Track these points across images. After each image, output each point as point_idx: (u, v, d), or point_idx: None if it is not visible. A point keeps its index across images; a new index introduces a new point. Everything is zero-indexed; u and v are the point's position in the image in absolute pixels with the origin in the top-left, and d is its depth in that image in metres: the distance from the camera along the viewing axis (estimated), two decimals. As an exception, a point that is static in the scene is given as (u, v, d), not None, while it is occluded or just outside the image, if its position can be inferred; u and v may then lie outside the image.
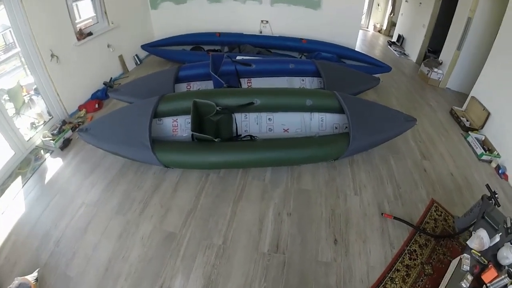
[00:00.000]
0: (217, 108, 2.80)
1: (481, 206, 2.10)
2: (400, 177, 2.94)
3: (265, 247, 2.24)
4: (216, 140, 2.63)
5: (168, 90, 3.32)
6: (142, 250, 2.22)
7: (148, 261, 2.15)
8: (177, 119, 3.08)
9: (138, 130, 2.61)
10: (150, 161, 2.72)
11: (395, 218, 2.46)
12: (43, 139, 3.32)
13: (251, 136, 2.94)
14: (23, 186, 2.81)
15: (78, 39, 3.88)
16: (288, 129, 3.16)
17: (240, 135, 3.01)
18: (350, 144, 2.67)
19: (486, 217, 1.98)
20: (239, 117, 3.09)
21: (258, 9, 5.23)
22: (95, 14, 4.39)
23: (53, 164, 3.07)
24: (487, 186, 2.23)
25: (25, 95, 3.71)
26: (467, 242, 1.86)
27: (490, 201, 2.12)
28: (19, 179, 2.90)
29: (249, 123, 3.14)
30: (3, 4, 2.90)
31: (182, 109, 2.88)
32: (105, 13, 4.40)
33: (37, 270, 2.04)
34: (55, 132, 3.41)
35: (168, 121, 3.08)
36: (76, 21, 4.00)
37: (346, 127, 3.11)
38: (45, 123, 3.57)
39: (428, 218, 2.53)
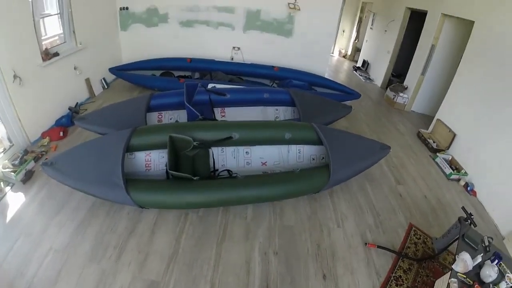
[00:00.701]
0: (194, 143, 2.69)
1: (460, 228, 2.21)
2: (378, 204, 3.03)
3: (255, 290, 2.14)
4: (194, 178, 2.52)
5: (140, 120, 3.17)
6: (124, 304, 2.01)
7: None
8: (150, 154, 2.92)
9: (110, 167, 2.41)
10: (123, 202, 2.51)
11: (378, 247, 2.51)
12: (3, 170, 2.98)
13: (228, 171, 2.86)
14: None
15: (44, 60, 3.58)
16: (266, 162, 3.14)
17: (217, 170, 2.92)
18: (331, 177, 2.70)
19: (465, 239, 2.10)
20: (216, 151, 3.02)
21: (231, 35, 5.29)
22: (62, 32, 4.12)
23: (15, 200, 2.75)
24: (463, 208, 2.41)
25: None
26: (452, 266, 1.92)
27: (467, 222, 2.25)
28: None
29: (226, 157, 3.08)
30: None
31: (156, 143, 2.74)
32: (74, 32, 4.17)
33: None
34: (16, 162, 3.07)
35: (140, 156, 2.91)
36: (43, 38, 3.72)
37: (323, 158, 3.18)
38: (5, 150, 3.22)
39: (408, 243, 2.64)
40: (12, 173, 2.94)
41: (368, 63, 7.41)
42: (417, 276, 2.35)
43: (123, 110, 3.47)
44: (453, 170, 3.60)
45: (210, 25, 5.23)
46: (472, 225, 2.25)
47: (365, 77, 7.03)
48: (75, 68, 4.26)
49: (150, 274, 2.20)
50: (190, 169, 2.74)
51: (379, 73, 6.66)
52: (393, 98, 5.46)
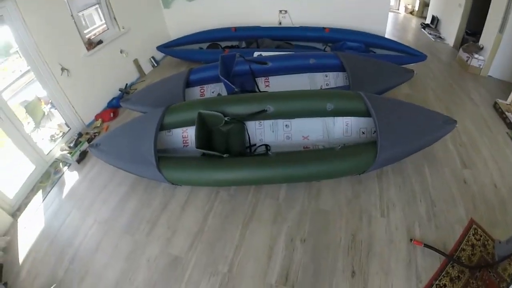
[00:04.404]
0: (225, 119, 2.58)
1: None
2: (435, 191, 2.53)
3: (273, 278, 2.02)
4: (224, 156, 2.43)
5: (179, 97, 3.17)
6: (148, 274, 2.15)
7: (153, 286, 2.08)
8: (187, 130, 2.91)
9: (144, 146, 2.48)
10: (157, 179, 2.59)
11: (425, 245, 2.09)
12: (61, 152, 3.36)
13: (266, 146, 2.69)
14: (43, 201, 2.92)
15: (88, 49, 3.82)
16: (308, 136, 2.86)
17: (255, 145, 2.78)
18: (378, 156, 2.30)
19: None
20: (252, 125, 2.85)
21: (275, -2, 4.84)
22: (104, 21, 4.30)
23: (70, 178, 3.13)
24: None
25: (45, 107, 3.76)
26: None
27: None
28: (40, 193, 3.01)
29: (264, 131, 2.89)
30: (6, 24, 2.90)
31: (191, 120, 2.66)
32: (115, 18, 4.30)
33: (53, 286, 2.13)
34: (72, 144, 3.43)
35: (177, 133, 2.93)
36: (86, 31, 3.94)
37: (374, 132, 2.74)
38: (63, 135, 3.60)
39: (464, 244, 2.13)
40: (68, 155, 3.29)
41: (438, 20, 6.25)
42: (465, 288, 1.90)
43: (164, 87, 3.51)
44: None
45: (252, -10, 4.87)
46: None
47: (435, 35, 5.96)
48: (121, 52, 4.43)
49: (175, 249, 2.28)
50: (224, 145, 2.65)
51: (451, 30, 5.56)
52: (467, 61, 4.50)
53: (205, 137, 2.59)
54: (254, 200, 2.57)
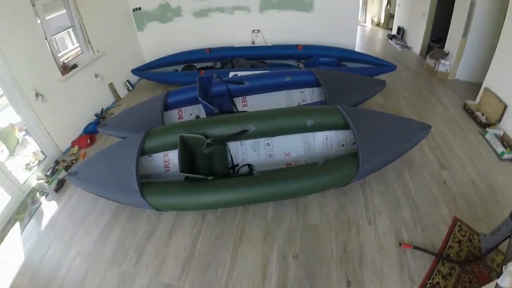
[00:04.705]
0: (207, 141, 2.56)
1: (510, 226, 1.80)
2: (417, 195, 2.63)
3: (271, 297, 1.99)
4: (208, 178, 2.40)
5: (157, 121, 3.13)
6: (140, 306, 2.03)
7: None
8: (168, 154, 2.87)
9: (125, 172, 2.41)
10: (141, 205, 2.51)
11: (415, 247, 2.16)
12: (38, 181, 3.21)
13: (249, 166, 2.69)
14: (21, 233, 2.75)
15: (63, 74, 3.72)
16: (289, 153, 2.90)
17: (237, 165, 2.77)
18: (360, 167, 2.37)
19: None
20: (234, 145, 2.85)
21: (248, 18, 4.99)
22: (78, 45, 4.23)
23: (49, 208, 2.98)
24: None
25: (18, 134, 3.59)
26: (497, 281, 1.55)
27: None
28: (17, 225, 2.84)
29: (245, 151, 2.90)
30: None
31: (172, 143, 2.64)
32: (89, 42, 4.23)
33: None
34: (48, 173, 3.28)
35: (159, 157, 2.87)
36: (64, 52, 3.86)
37: (354, 143, 2.83)
38: (39, 163, 3.44)
39: (451, 241, 2.23)
40: (46, 184, 3.14)
41: (403, 30, 6.64)
42: (458, 283, 1.98)
43: (141, 111, 3.46)
44: (505, 148, 3.01)
45: (224, 11, 4.97)
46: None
47: (402, 45, 6.32)
48: (96, 76, 4.34)
49: (165, 277, 2.20)
50: (207, 167, 2.62)
51: (417, 39, 5.92)
52: (434, 67, 4.78)
53: (188, 161, 2.55)
54: (242, 221, 2.54)
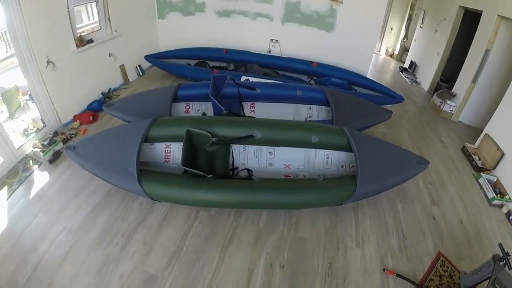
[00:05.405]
0: (213, 140, 2.59)
1: (492, 268, 1.87)
2: (407, 225, 2.70)
3: (252, 303, 2.01)
4: (208, 176, 2.42)
5: (164, 111, 3.14)
6: (120, 291, 2.01)
7: (125, 306, 1.95)
8: (170, 145, 2.88)
9: (126, 156, 2.41)
10: (136, 192, 2.51)
11: (397, 275, 2.22)
12: (33, 149, 3.16)
13: (248, 170, 2.72)
14: (8, 198, 2.68)
15: (78, 46, 3.71)
16: (289, 165, 2.94)
17: (237, 168, 2.80)
18: (357, 189, 2.42)
19: (496, 284, 1.77)
20: (237, 148, 2.88)
21: (269, 27, 5.07)
22: (95, 20, 4.23)
23: (41, 178, 2.93)
24: (500, 246, 2.00)
25: (21, 98, 3.56)
26: None
27: (502, 263, 1.89)
28: (5, 189, 2.76)
29: (247, 155, 2.94)
30: (0, 3, 2.75)
31: (177, 136, 2.66)
32: (109, 19, 4.24)
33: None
34: (45, 143, 3.24)
35: (160, 147, 2.88)
36: (78, 26, 3.84)
37: (353, 166, 2.90)
38: (37, 130, 3.40)
39: (433, 275, 2.30)
40: (41, 153, 3.09)
41: (415, 65, 6.80)
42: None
43: (150, 99, 3.46)
44: (496, 194, 3.13)
45: (247, 15, 5.05)
46: (507, 267, 1.87)
47: (412, 79, 6.45)
48: (109, 55, 4.35)
49: (151, 267, 2.19)
50: (207, 165, 2.65)
51: (427, 76, 6.06)
52: (440, 105, 4.91)
53: (191, 156, 2.57)
54: (234, 223, 2.56)
